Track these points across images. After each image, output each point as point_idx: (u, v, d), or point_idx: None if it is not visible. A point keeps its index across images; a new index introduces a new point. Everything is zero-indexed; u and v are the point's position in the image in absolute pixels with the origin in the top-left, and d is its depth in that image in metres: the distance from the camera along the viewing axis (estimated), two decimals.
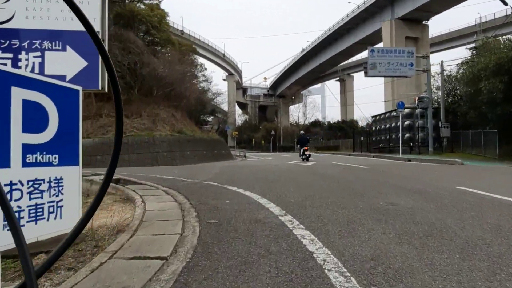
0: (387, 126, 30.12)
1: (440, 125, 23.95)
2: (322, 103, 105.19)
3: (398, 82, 52.62)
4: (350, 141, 45.03)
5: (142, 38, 27.95)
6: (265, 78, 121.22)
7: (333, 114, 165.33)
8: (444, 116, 24.08)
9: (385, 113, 32.13)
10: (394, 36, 53.52)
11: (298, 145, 20.35)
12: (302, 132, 25.30)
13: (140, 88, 23.53)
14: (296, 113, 70.37)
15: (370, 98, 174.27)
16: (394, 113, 27.91)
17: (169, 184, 7.74)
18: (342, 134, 54.37)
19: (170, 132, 21.33)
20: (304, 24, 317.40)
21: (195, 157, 20.77)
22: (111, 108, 22.27)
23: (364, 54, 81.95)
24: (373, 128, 33.42)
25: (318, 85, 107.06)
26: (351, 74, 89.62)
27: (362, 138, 36.17)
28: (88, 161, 16.85)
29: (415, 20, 54.33)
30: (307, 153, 18.76)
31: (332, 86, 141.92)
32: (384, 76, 31.56)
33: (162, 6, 34.40)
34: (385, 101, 54.18)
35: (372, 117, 34.79)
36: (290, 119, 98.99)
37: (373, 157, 22.74)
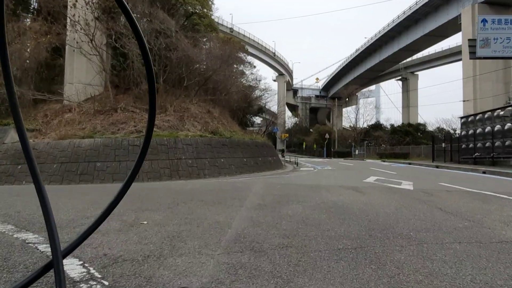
0: (486, 129, 22.97)
1: None
2: (376, 106, 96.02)
3: (482, 79, 44.06)
4: (423, 148, 37.61)
5: (182, 25, 23.35)
6: (317, 79, 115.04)
7: (388, 117, 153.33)
8: None
9: (482, 113, 24.82)
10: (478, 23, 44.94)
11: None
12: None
13: (167, 77, 18.75)
14: (353, 115, 63.04)
15: (429, 99, 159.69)
16: (500, 112, 20.90)
17: None
18: (410, 139, 46.64)
19: (200, 133, 16.22)
20: (361, 24, 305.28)
21: (232, 166, 15.44)
22: (129, 101, 17.67)
23: (431, 50, 72.86)
24: (462, 132, 26.19)
25: (372, 87, 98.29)
26: (415, 73, 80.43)
27: (444, 145, 28.94)
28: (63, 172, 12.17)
29: (504, 4, 45.40)
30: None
31: (386, 87, 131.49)
32: (502, 58, 23.23)
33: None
34: (463, 101, 45.71)
35: (461, 118, 27.37)
36: (343, 122, 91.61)
37: (483, 172, 16.03)
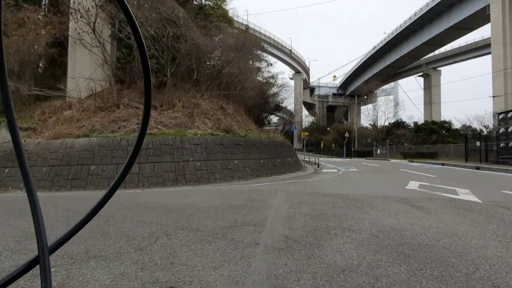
0: None
1: None
2: (397, 102, 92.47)
3: None
4: (452, 147, 34.94)
5: (194, 17, 21.58)
6: (334, 77, 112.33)
7: (411, 115, 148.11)
8: None
9: None
10: (508, 13, 41.88)
11: None
12: None
13: (175, 70, 16.98)
14: (373, 113, 60.46)
15: (451, 96, 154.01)
16: None
17: None
18: (436, 138, 43.86)
19: (211, 131, 14.39)
20: (380, 20, 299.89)
21: (246, 169, 13.51)
22: (134, 97, 15.99)
23: (455, 44, 69.33)
24: (501, 129, 23.65)
25: (391, 84, 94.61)
26: (438, 68, 76.82)
27: (478, 144, 26.38)
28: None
29: None
30: None
31: (404, 85, 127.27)
32: None
33: None
34: (493, 96, 42.63)
35: (499, 114, 24.79)
36: (362, 121, 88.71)
37: None
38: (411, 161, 29.87)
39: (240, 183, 11.88)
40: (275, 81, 33.28)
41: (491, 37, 44.84)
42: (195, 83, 17.56)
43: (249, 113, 25.44)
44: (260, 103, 27.08)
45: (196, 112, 15.83)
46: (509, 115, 23.20)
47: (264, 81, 30.08)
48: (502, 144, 23.44)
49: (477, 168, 19.16)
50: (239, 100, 22.93)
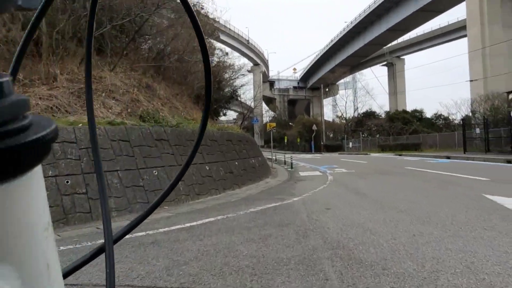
0: None
1: None
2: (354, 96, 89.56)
3: (493, 54, 37.60)
4: (439, 137, 30.71)
5: None
6: (294, 69, 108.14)
7: (377, 104, 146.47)
8: None
9: None
10: None
11: None
12: None
13: (65, 25, 10.42)
14: (342, 103, 56.22)
15: (414, 84, 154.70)
16: None
17: None
18: (412, 127, 39.78)
19: (116, 118, 8.13)
20: (342, 10, 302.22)
21: (188, 187, 7.43)
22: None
23: (419, 31, 66.47)
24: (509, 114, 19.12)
25: (355, 75, 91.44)
26: (401, 57, 74.10)
27: (478, 131, 21.94)
28: None
29: None
30: None
31: (370, 74, 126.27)
32: None
33: None
34: (471, 80, 39.08)
35: (509, 93, 20.22)
36: (327, 113, 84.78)
37: None
38: (400, 155, 24.98)
39: (154, 218, 5.72)
40: (232, 62, 27.26)
41: (467, 15, 41.48)
42: (100, 50, 11.14)
43: (198, 101, 19.27)
44: (212, 88, 20.85)
45: (101, 90, 9.48)
46: None
47: (217, 59, 23.94)
48: None
49: (508, 162, 14.21)
50: (181, 82, 16.72)
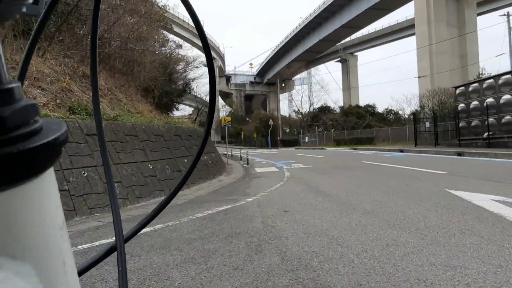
0: (502, 100, 16.56)
1: None
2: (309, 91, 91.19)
3: (439, 52, 39.20)
4: (391, 131, 31.36)
5: None
6: (251, 64, 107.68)
7: (331, 99, 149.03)
8: None
9: (481, 80, 18.27)
10: None
11: None
12: None
13: None
14: (297, 98, 56.19)
15: (365, 80, 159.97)
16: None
17: None
18: (365, 122, 40.55)
19: (46, 110, 6.89)
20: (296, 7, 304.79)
21: (126, 190, 6.39)
22: None
23: (371, 28, 68.33)
24: (459, 106, 19.64)
25: (311, 70, 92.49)
26: (354, 53, 75.86)
27: (428, 125, 22.47)
28: None
29: None
30: None
31: (324, 69, 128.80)
32: None
33: None
34: (419, 77, 40.58)
35: (457, 88, 20.72)
36: (283, 107, 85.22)
37: None
38: (355, 149, 25.08)
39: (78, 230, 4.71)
40: (184, 54, 25.97)
41: (415, 14, 42.91)
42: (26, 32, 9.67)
43: (147, 94, 17.98)
44: (163, 80, 19.60)
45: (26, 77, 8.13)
46: (469, 88, 19.22)
47: (169, 50, 22.60)
48: (462, 124, 19.49)
49: (459, 154, 14.39)
50: (127, 72, 15.39)
